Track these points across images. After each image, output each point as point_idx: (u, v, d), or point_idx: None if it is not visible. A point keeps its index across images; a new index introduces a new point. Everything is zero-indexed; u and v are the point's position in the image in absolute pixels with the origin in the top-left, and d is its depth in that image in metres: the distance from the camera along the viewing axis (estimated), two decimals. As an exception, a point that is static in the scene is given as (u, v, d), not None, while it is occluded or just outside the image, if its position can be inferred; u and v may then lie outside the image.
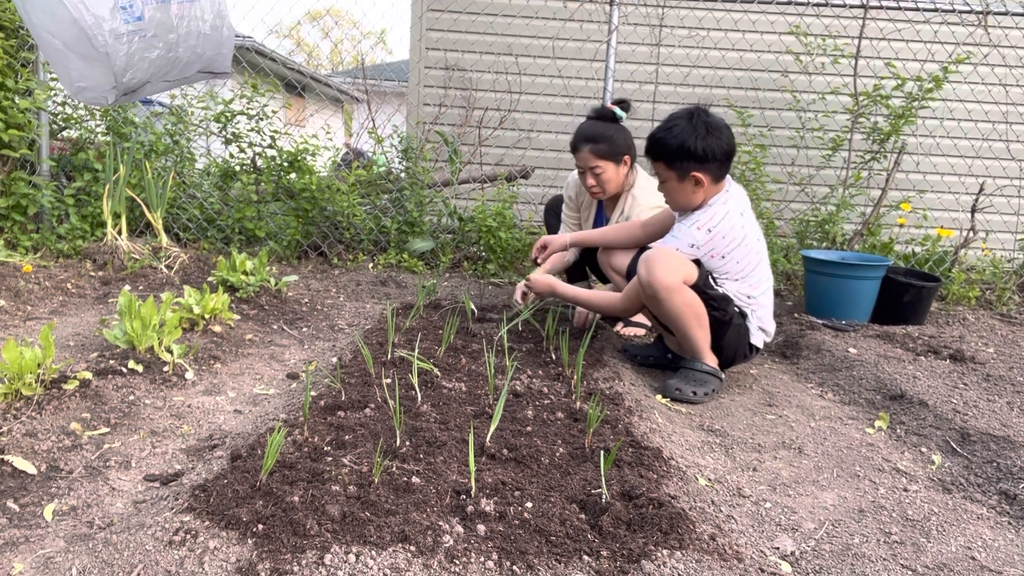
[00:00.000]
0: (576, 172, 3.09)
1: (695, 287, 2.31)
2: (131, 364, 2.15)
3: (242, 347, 2.62)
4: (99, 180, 4.03)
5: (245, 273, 3.20)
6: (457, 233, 4.57)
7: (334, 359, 2.51)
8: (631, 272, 2.59)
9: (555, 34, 5.52)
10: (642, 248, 2.57)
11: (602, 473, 1.51)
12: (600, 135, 2.88)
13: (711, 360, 2.42)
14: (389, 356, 2.40)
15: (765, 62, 5.47)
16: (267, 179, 4.45)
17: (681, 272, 2.28)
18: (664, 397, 2.36)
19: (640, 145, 2.76)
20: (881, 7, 4.51)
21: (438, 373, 2.23)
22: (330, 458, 1.55)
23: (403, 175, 4.75)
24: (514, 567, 1.24)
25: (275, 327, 2.95)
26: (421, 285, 3.28)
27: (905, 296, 3.50)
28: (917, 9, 4.47)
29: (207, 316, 2.65)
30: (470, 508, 1.39)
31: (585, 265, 3.34)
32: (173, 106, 4.66)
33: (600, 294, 2.74)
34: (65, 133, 4.47)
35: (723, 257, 2.37)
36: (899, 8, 4.50)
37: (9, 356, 1.77)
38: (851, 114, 4.54)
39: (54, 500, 1.48)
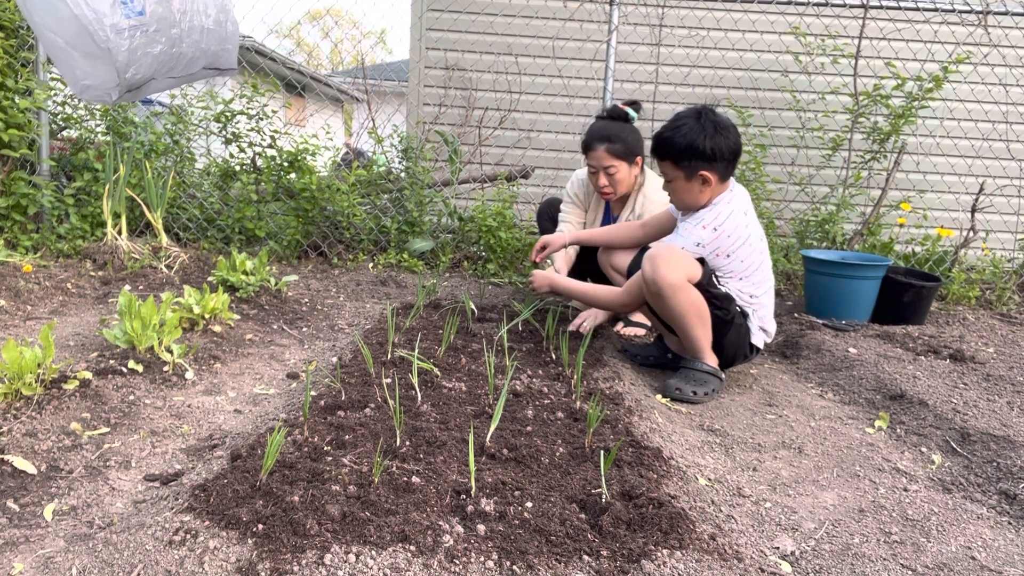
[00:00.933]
0: (582, 171, 3.08)
1: (698, 285, 2.31)
2: (131, 364, 2.15)
3: (242, 347, 2.62)
4: (99, 180, 4.03)
5: (245, 273, 3.20)
6: (457, 233, 4.57)
7: (334, 359, 2.51)
8: (632, 271, 2.59)
9: (555, 34, 5.52)
10: (643, 248, 2.57)
11: (602, 473, 1.51)
12: (615, 135, 2.88)
13: (711, 360, 2.42)
14: (389, 356, 2.40)
15: (765, 62, 5.47)
16: (267, 179, 4.45)
17: (686, 270, 2.28)
18: (664, 397, 2.36)
19: (643, 144, 2.77)
20: (881, 7, 4.51)
21: (438, 373, 2.23)
22: (330, 458, 1.55)
23: (403, 175, 4.74)
24: (514, 567, 1.24)
25: (275, 327, 2.95)
26: (421, 285, 3.28)
27: (905, 296, 3.50)
28: (917, 9, 4.47)
29: (207, 316, 2.65)
30: (470, 508, 1.39)
31: (582, 268, 3.34)
32: (173, 106, 4.67)
33: (600, 288, 2.73)
34: (65, 133, 4.47)
35: (728, 256, 2.37)
36: (899, 8, 4.50)
37: (9, 356, 1.77)
38: (851, 114, 4.54)
39: (54, 500, 1.48)
